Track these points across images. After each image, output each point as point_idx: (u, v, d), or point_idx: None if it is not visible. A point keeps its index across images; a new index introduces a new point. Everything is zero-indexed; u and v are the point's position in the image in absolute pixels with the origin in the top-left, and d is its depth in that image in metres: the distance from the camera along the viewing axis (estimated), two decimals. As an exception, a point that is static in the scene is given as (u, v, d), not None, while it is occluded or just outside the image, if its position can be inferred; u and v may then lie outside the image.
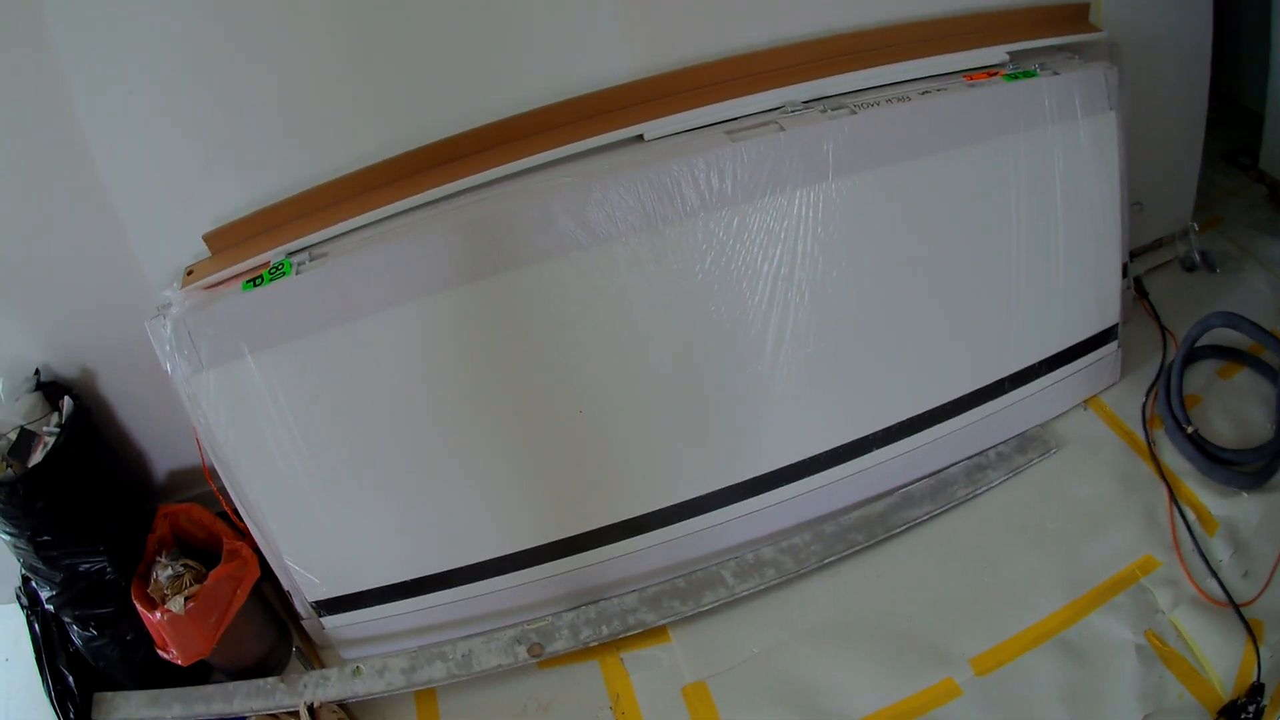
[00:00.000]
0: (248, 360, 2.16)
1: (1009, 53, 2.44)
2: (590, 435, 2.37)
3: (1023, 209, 2.44)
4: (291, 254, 2.22)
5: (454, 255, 2.17)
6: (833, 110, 2.26)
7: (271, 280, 2.17)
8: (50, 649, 2.56)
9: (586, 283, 2.22)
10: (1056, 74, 2.37)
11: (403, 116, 2.29)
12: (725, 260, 2.25)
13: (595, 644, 2.44)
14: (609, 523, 2.45)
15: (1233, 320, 2.64)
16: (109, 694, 2.53)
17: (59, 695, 2.50)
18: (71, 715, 2.47)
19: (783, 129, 2.21)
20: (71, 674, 2.52)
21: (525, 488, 2.41)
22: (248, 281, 2.18)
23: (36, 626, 2.58)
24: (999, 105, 2.33)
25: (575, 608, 2.50)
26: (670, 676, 2.41)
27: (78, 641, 2.52)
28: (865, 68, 2.34)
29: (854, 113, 2.24)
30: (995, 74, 2.38)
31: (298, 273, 2.16)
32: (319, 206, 2.29)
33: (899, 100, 2.28)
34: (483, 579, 2.47)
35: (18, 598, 2.62)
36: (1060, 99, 2.37)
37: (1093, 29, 2.56)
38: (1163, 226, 3.16)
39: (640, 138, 2.27)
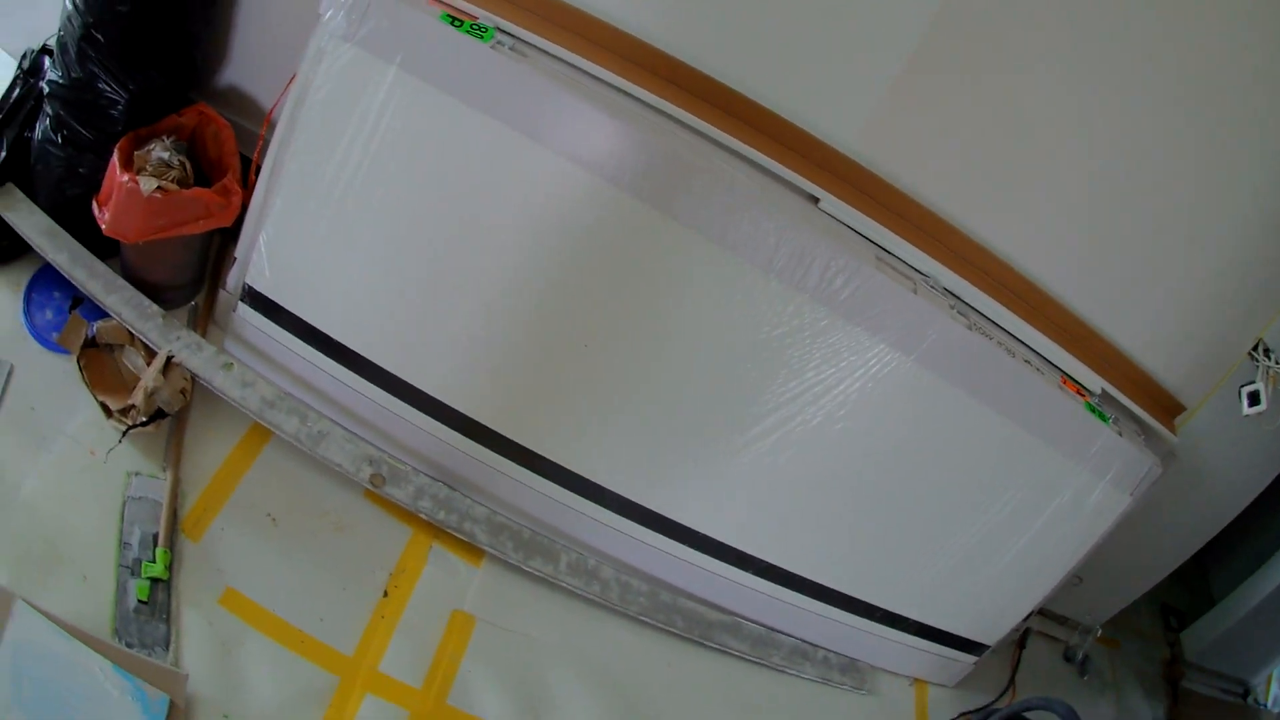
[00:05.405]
0: (391, 70, 2.13)
1: (1103, 389, 2.54)
2: (575, 370, 2.42)
3: (1009, 506, 2.55)
4: (500, 29, 2.20)
5: (623, 158, 2.18)
6: (957, 313, 2.35)
7: (468, 33, 2.14)
8: (12, 116, 2.48)
9: (684, 264, 2.27)
10: (1119, 435, 2.49)
11: (693, 34, 2.29)
12: (789, 343, 2.32)
13: (423, 517, 2.45)
14: (523, 443, 2.49)
15: (1070, 716, 2.75)
16: (19, 191, 2.47)
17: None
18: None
19: (915, 292, 2.29)
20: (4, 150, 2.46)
21: (493, 366, 2.44)
22: (447, 13, 2.15)
23: (17, 91, 2.49)
24: (1067, 423, 2.45)
25: (434, 479, 2.51)
26: (454, 591, 2.44)
27: (37, 133, 2.45)
28: (999, 300, 2.42)
29: (969, 329, 2.33)
30: (1083, 395, 2.49)
31: (493, 48, 2.14)
32: (566, 24, 2.27)
33: (1006, 351, 2.38)
34: (392, 394, 2.47)
35: (23, 57, 2.52)
36: (1105, 455, 2.49)
37: (1171, 428, 2.67)
38: (1078, 610, 3.24)
39: (815, 200, 2.33)
